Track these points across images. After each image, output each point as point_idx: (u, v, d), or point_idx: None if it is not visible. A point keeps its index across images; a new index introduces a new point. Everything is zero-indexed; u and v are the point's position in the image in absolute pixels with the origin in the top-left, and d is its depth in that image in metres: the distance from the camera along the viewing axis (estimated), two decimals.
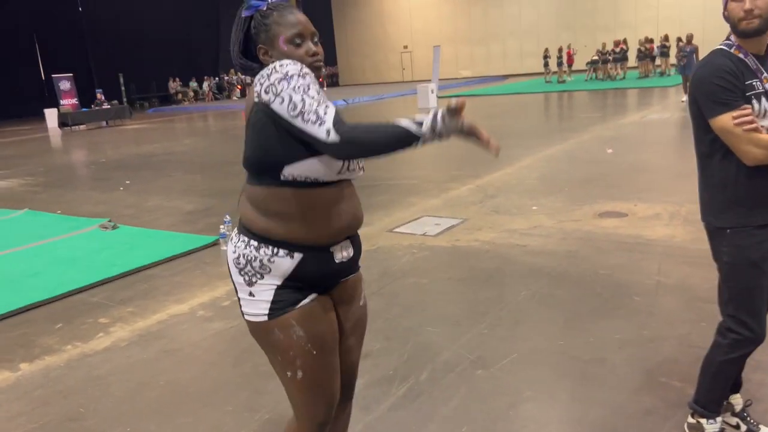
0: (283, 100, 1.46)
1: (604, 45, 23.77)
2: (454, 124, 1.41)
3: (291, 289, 1.61)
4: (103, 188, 8.91)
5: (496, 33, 35.37)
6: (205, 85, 34.18)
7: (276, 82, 1.48)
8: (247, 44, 1.69)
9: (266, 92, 1.50)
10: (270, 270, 1.59)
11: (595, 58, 23.97)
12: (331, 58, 41.77)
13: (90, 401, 2.89)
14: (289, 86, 1.46)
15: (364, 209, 1.76)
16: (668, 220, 4.96)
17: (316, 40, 1.64)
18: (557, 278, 3.95)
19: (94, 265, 4.97)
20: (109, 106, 22.50)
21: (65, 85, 23.34)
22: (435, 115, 1.41)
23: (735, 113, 1.86)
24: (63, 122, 21.06)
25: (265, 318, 1.60)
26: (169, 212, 6.84)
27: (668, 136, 9.55)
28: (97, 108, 22.18)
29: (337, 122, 1.42)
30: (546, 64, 25.48)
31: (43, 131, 21.25)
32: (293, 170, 1.54)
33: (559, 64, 24.78)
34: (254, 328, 1.65)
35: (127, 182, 9.19)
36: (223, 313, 3.84)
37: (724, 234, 2.00)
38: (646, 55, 23.43)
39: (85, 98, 24.41)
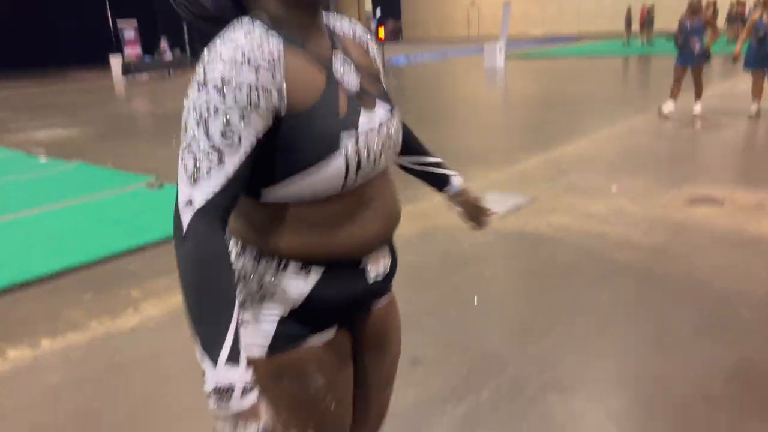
0: (185, 112, 0.95)
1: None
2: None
3: (298, 320, 1.10)
4: (156, 142, 8.72)
5: None
6: None
7: (193, 81, 0.94)
8: None
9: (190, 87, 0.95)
10: (273, 295, 1.08)
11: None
12: (395, 12, 40.62)
13: (106, 396, 2.58)
14: (195, 99, 0.93)
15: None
16: None
17: None
18: (645, 280, 3.39)
19: (136, 228, 4.70)
20: (170, 56, 22.48)
21: (129, 33, 23.43)
22: (223, 390, 0.91)
23: None
24: (126, 70, 21.16)
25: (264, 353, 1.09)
26: None
27: None
28: (158, 58, 22.20)
29: (207, 211, 0.94)
30: (628, 25, 23.83)
31: (107, 79, 21.45)
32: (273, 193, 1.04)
33: (648, 24, 23.02)
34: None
35: None
36: None
37: None
38: (736, 18, 21.49)
39: (150, 44, 24.34)
